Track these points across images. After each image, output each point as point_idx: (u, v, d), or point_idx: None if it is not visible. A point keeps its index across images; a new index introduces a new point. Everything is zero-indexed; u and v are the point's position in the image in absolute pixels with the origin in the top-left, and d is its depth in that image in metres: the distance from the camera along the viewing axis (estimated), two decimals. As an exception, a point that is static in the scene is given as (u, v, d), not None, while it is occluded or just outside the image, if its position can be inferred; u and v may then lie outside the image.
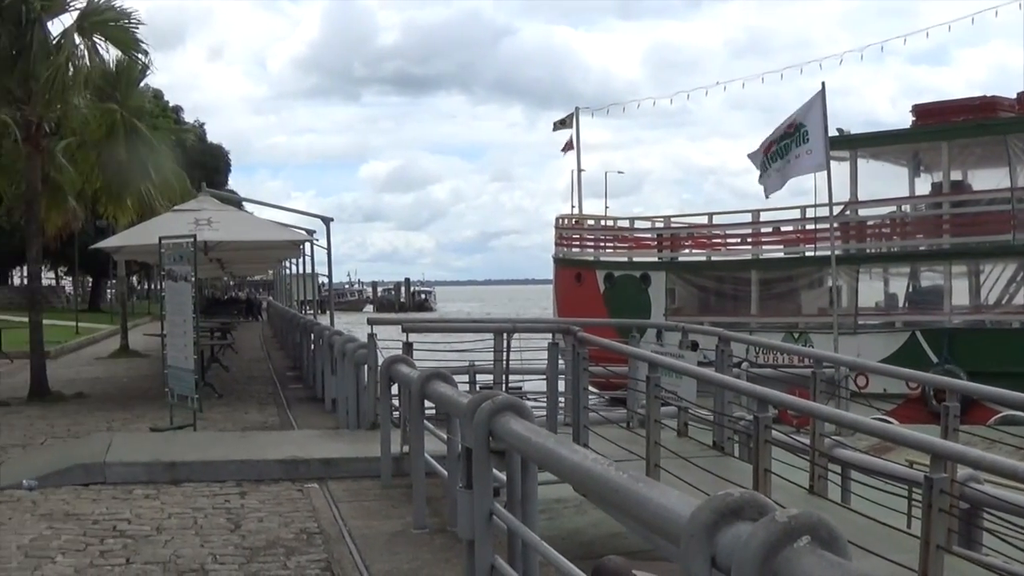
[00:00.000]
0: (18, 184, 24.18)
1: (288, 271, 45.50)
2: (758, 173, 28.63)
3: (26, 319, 24.58)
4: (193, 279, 17.37)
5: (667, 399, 14.24)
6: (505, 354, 17.43)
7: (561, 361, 16.20)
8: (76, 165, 25.64)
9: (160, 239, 18.26)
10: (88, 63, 22.16)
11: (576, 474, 5.37)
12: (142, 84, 25.83)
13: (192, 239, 17.48)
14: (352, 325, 34.61)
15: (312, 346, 23.61)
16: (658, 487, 4.61)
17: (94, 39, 22.18)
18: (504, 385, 17.24)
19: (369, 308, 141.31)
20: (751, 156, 29.05)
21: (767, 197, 29.53)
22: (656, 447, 12.63)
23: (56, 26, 22.41)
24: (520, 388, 18.73)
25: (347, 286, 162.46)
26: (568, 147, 48.90)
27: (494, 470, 7.02)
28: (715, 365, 16.41)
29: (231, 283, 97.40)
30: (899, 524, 10.88)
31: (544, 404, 15.92)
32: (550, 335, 16.92)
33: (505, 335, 17.55)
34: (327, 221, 27.03)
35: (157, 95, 55.16)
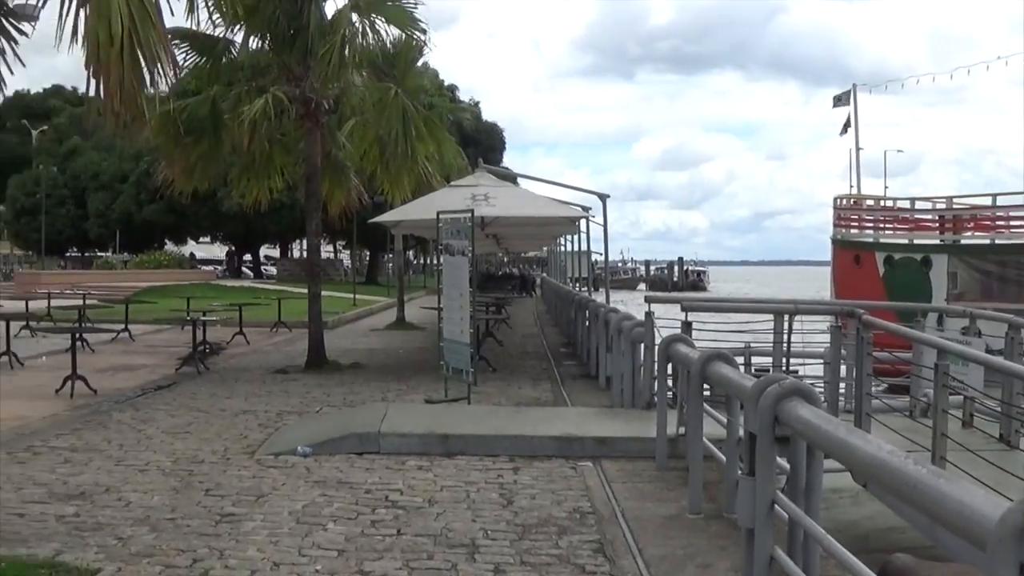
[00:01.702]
0: (299, 160, 24.83)
1: (563, 248, 45.68)
2: None
3: (305, 290, 25.42)
4: (470, 254, 17.47)
5: (954, 388, 13.71)
6: (786, 336, 17.02)
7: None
8: (354, 142, 26.16)
9: (438, 214, 18.44)
10: (365, 41, 22.59)
11: (868, 465, 5.11)
12: (420, 63, 26.12)
13: (470, 214, 17.58)
14: (626, 303, 34.51)
15: (587, 323, 23.59)
16: (960, 484, 4.33)
17: (372, 17, 22.56)
18: (784, 368, 16.84)
19: (642, 286, 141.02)
20: None
21: None
22: (942, 439, 12.13)
23: (331, 6, 23.00)
24: (797, 372, 18.28)
25: (620, 264, 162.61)
26: (846, 128, 48.01)
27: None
28: (1004, 353, 15.72)
29: (505, 259, 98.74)
30: None
31: (822, 389, 15.51)
32: (830, 318, 16.50)
33: (786, 316, 17.14)
34: (603, 198, 26.85)
35: (433, 74, 55.94)
